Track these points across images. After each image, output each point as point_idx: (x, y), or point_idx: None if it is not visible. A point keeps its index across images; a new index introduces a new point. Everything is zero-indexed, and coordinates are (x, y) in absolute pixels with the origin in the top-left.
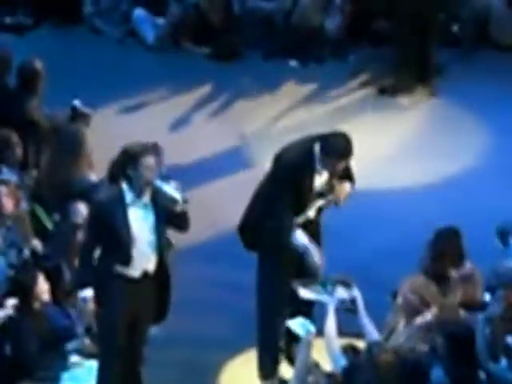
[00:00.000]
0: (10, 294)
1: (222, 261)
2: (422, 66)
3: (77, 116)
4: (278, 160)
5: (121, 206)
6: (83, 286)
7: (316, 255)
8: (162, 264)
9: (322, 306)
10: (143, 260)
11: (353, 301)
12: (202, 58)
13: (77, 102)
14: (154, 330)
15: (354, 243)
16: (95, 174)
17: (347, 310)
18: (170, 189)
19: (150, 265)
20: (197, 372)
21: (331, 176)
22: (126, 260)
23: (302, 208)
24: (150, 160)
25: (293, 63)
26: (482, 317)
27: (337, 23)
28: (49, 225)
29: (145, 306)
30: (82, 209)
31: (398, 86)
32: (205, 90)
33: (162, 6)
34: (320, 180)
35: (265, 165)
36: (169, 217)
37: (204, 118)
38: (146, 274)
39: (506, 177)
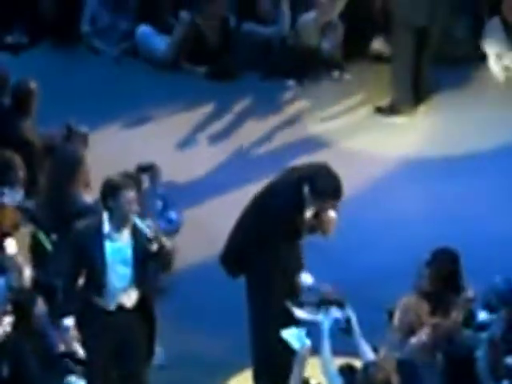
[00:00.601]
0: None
1: (219, 280)
2: (418, 84)
3: (72, 136)
4: (266, 198)
5: (98, 237)
6: (65, 314)
7: (309, 279)
8: (144, 299)
9: (317, 326)
10: (117, 293)
11: (347, 321)
12: (200, 77)
13: (72, 122)
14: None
15: (347, 263)
16: (93, 193)
17: (341, 330)
18: (145, 227)
19: (126, 299)
20: None
21: (320, 212)
22: (100, 291)
23: (293, 244)
24: (129, 194)
25: (290, 83)
26: (484, 338)
27: (333, 43)
28: (48, 246)
29: (127, 340)
30: None
31: (395, 105)
32: (203, 109)
33: (162, 25)
34: (308, 214)
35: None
36: (147, 254)
37: (203, 137)
38: (121, 308)
39: (505, 197)
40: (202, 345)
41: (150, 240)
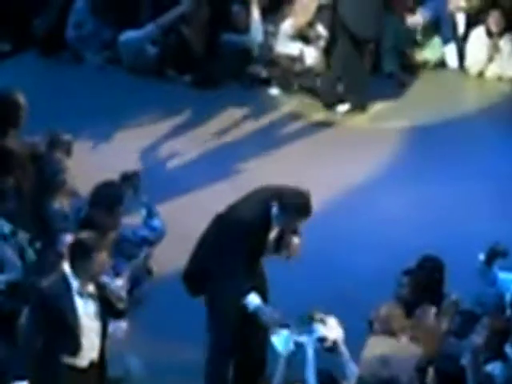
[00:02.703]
0: None
1: None
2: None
3: (56, 143)
4: (232, 215)
5: (68, 294)
6: (20, 377)
7: (269, 312)
8: (102, 353)
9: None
10: (90, 349)
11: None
12: (184, 85)
13: (55, 130)
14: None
15: (332, 270)
16: (76, 201)
17: (327, 350)
18: (116, 288)
19: (95, 353)
20: None
21: (287, 230)
22: (75, 349)
23: (254, 263)
24: (101, 256)
25: (273, 91)
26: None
27: (313, 52)
28: (31, 254)
29: None
30: (67, 238)
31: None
32: (186, 116)
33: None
34: (272, 234)
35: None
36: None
37: (185, 143)
38: (92, 363)
39: (489, 201)
40: (183, 353)
41: (119, 299)
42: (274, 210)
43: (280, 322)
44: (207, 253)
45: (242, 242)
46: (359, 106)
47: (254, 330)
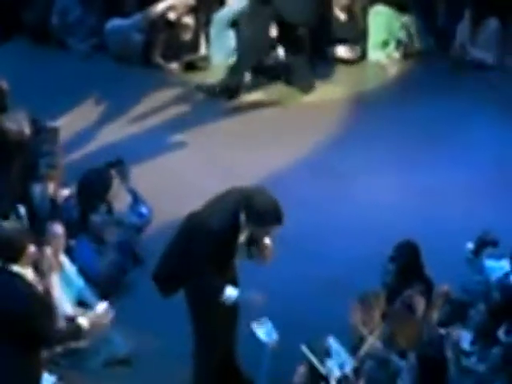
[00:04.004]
0: None
1: None
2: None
3: (42, 131)
4: (201, 220)
5: None
6: None
7: (251, 299)
8: None
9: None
10: None
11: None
12: (170, 73)
13: (41, 118)
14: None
15: (323, 256)
16: (64, 189)
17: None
18: None
19: None
20: None
21: (258, 238)
22: None
23: (224, 267)
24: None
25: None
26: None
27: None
28: None
29: None
30: (57, 228)
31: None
32: (174, 106)
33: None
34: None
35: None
36: None
37: (172, 130)
38: None
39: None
40: (169, 337)
41: None
42: (242, 217)
43: (263, 303)
44: (174, 255)
45: (208, 248)
46: (306, 88)
47: (234, 323)
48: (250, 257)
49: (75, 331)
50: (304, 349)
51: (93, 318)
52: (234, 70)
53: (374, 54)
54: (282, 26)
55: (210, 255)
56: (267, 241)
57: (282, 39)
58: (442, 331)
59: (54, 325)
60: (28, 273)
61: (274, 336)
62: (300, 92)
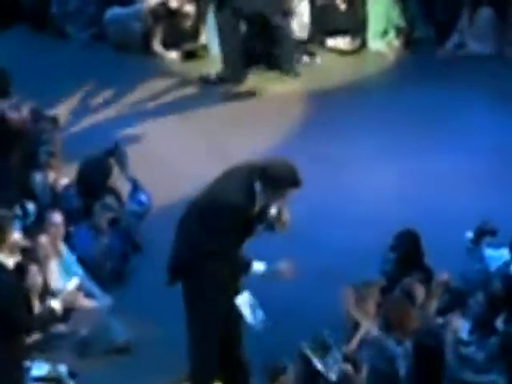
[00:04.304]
0: None
1: None
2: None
3: (42, 119)
4: (216, 197)
5: None
6: None
7: (281, 266)
8: None
9: None
10: None
11: None
12: (169, 61)
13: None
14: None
15: (319, 246)
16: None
17: None
18: None
19: None
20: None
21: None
22: None
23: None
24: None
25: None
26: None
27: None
28: None
29: None
30: (56, 217)
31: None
32: (172, 94)
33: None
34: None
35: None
36: None
37: (170, 119)
38: None
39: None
40: (168, 326)
41: None
42: (257, 187)
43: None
44: (195, 240)
45: (234, 223)
46: (291, 73)
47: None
48: (269, 229)
49: (50, 315)
50: (303, 347)
51: (65, 296)
52: (225, 63)
53: (374, 44)
54: (254, 20)
55: (237, 230)
56: (287, 213)
57: (259, 33)
58: (441, 320)
59: (30, 313)
60: (10, 261)
61: (262, 316)
62: (285, 75)
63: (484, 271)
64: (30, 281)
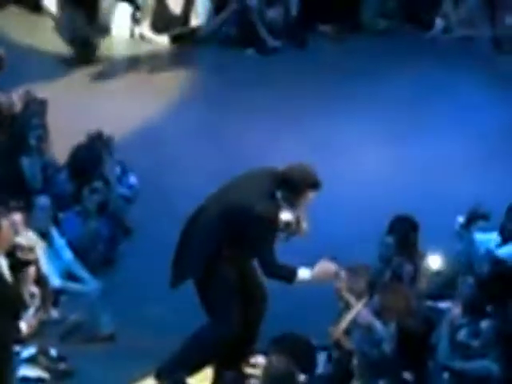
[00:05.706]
0: None
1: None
2: None
3: (31, 103)
4: (240, 208)
5: None
6: None
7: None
8: None
9: None
10: None
11: None
12: (163, 45)
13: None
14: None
15: (314, 232)
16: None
17: None
18: None
19: None
20: None
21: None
22: None
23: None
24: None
25: (249, 52)
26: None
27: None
28: None
29: None
30: (44, 201)
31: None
32: (166, 77)
33: None
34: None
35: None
36: None
37: (162, 102)
38: None
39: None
40: (156, 309)
41: None
42: (279, 194)
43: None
44: (211, 248)
45: (268, 233)
46: None
47: (254, 307)
48: (289, 236)
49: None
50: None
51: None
52: None
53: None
54: None
55: (272, 239)
56: (305, 224)
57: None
58: (430, 303)
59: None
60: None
61: None
62: None
63: (474, 255)
64: None
